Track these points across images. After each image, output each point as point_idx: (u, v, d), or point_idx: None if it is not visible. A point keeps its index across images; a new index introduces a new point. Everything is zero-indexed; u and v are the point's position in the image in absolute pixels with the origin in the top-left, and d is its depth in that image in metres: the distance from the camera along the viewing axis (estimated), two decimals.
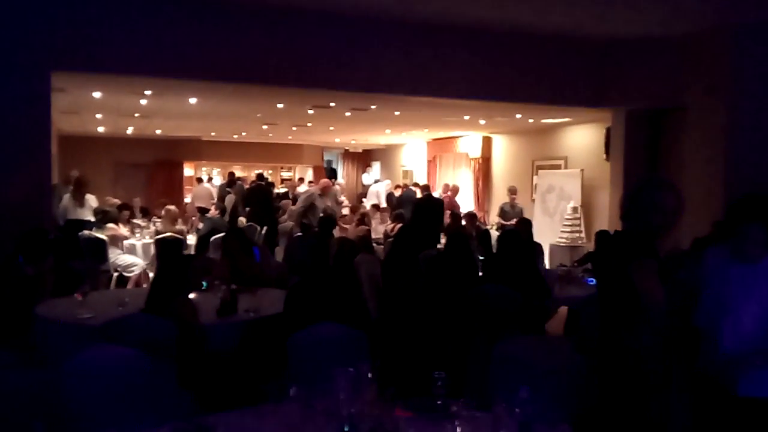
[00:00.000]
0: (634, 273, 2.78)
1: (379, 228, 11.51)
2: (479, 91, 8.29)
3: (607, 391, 2.95)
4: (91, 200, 9.84)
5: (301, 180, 18.89)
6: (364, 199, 16.67)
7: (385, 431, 2.33)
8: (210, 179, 18.45)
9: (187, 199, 16.27)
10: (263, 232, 11.24)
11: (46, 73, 6.56)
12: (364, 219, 10.35)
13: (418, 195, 14.34)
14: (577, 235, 10.70)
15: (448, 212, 11.11)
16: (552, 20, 7.49)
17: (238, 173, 18.26)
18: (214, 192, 15.21)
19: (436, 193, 13.67)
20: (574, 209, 10.89)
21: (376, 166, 21.20)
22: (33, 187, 6.56)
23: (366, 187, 19.25)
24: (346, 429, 2.32)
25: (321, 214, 10.52)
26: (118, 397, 3.06)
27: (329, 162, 21.61)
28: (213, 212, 11.32)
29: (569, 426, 2.69)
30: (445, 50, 7.96)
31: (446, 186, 14.12)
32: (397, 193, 15.00)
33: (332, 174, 20.49)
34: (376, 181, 18.86)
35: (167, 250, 8.80)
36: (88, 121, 13.31)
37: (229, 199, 13.06)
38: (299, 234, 9.91)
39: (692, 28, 7.57)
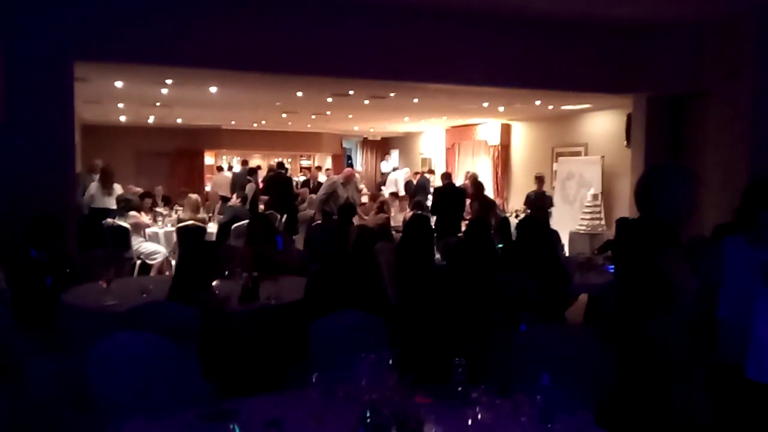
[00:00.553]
0: (662, 262, 2.76)
1: (398, 216, 11.53)
2: (499, 78, 8.22)
3: (628, 379, 2.94)
4: (118, 189, 10.02)
5: (319, 168, 18.95)
6: (383, 188, 16.69)
7: (405, 417, 2.35)
8: (230, 167, 18.57)
9: (208, 188, 16.40)
10: (283, 220, 11.30)
11: (69, 63, 6.64)
12: (383, 207, 10.37)
13: (432, 182, 14.34)
14: (598, 222, 10.64)
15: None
16: (572, 5, 7.40)
17: (258, 162, 18.38)
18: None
19: (459, 181, 13.65)
20: (595, 196, 10.82)
21: (394, 154, 21.18)
22: (57, 176, 6.66)
23: (384, 175, 19.27)
24: (367, 415, 2.34)
25: (319, 198, 10.68)
26: (142, 383, 3.12)
27: (347, 150, 21.59)
28: (234, 200, 11.41)
29: (590, 413, 2.70)
30: (465, 36, 7.91)
31: (466, 173, 14.08)
32: (415, 181, 15.02)
33: (348, 162, 20.51)
34: (395, 169, 18.86)
35: (189, 238, 8.89)
36: (110, 110, 13.43)
37: (250, 188, 13.15)
38: (319, 222, 9.96)
39: (714, 12, 7.46)
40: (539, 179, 11.60)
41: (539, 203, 10.70)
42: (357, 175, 18.09)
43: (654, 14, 7.69)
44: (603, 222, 10.66)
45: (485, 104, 11.45)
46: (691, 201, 2.90)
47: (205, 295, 4.29)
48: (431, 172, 16.19)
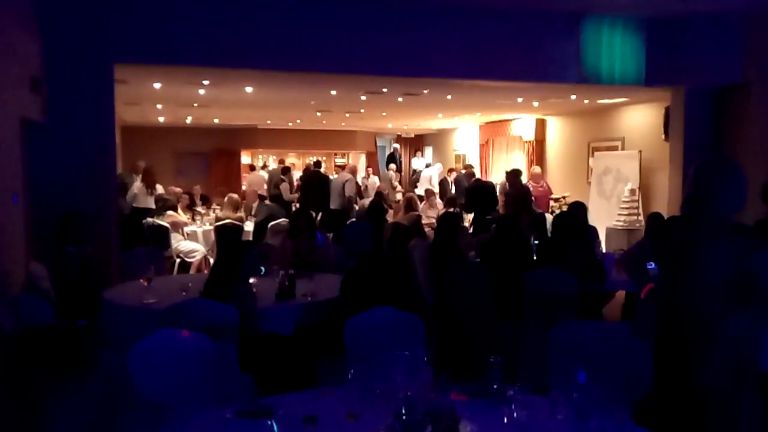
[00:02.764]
0: (758, 265, 2.71)
1: (430, 213, 11.50)
2: (533, 73, 8.15)
3: (676, 379, 2.90)
4: (160, 189, 10.24)
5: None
6: (418, 184, 16.63)
7: (441, 415, 2.36)
8: (264, 166, 18.75)
9: (244, 186, 16.59)
10: (319, 218, 11.39)
11: (109, 65, 6.79)
12: (411, 204, 10.28)
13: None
14: (635, 218, 10.46)
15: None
16: None
17: (294, 160, 18.53)
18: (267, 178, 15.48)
19: (493, 177, 13.52)
20: (632, 191, 10.64)
21: (428, 151, 21.12)
22: (99, 177, 6.81)
23: (416, 172, 19.21)
24: (402, 412, 2.36)
25: (349, 195, 10.75)
26: (182, 380, 3.18)
27: (395, 148, 21.37)
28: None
29: (628, 411, 2.67)
30: (498, 31, 7.86)
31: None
32: (451, 177, 14.91)
33: (390, 160, 20.40)
34: (427, 166, 18.79)
35: (226, 236, 9.02)
36: (149, 111, 13.67)
37: (284, 187, 13.28)
38: (353, 220, 10.01)
39: (755, 3, 7.28)
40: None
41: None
42: (392, 172, 18.12)
43: (694, 5, 7.53)
44: (641, 218, 10.47)
45: (520, 99, 11.35)
46: (745, 195, 2.89)
47: (242, 290, 4.35)
48: (468, 167, 15.83)
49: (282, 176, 13.82)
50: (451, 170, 15.92)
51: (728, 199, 2.87)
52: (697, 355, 2.87)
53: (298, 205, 12.33)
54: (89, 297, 5.05)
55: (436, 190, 14.47)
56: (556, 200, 11.47)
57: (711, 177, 2.91)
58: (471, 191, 10.41)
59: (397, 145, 21.30)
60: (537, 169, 12.42)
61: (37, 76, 6.19)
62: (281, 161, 16.61)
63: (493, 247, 5.87)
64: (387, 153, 21.83)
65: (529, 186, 11.44)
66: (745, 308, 2.80)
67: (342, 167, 19.34)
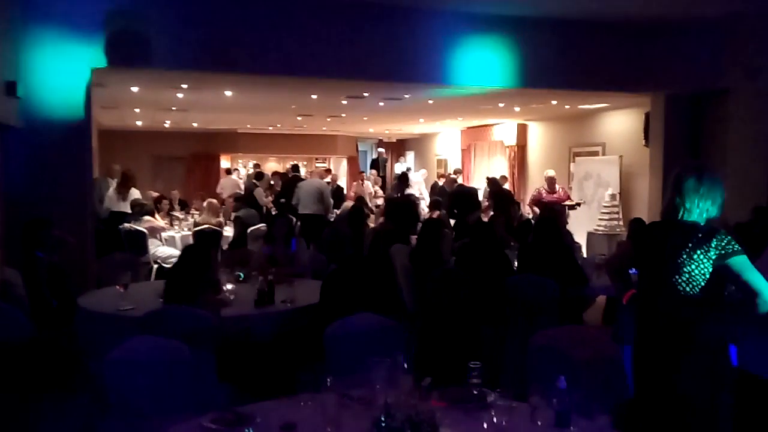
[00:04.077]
0: (737, 270, 2.76)
1: None
2: (515, 78, 8.18)
3: (658, 383, 2.91)
4: (135, 193, 10.09)
5: (329, 171, 18.89)
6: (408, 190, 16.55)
7: (420, 421, 2.33)
8: (231, 171, 18.57)
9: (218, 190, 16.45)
10: (298, 223, 11.31)
11: (86, 68, 6.70)
12: None
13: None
14: (616, 223, 10.54)
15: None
16: (589, 3, 7.34)
17: (273, 165, 18.41)
18: (241, 184, 15.38)
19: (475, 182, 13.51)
20: (612, 197, 10.72)
21: (410, 156, 21.12)
22: (74, 181, 6.72)
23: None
24: (382, 418, 2.33)
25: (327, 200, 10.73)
26: (159, 388, 3.13)
27: (379, 153, 21.25)
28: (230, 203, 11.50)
29: (608, 416, 2.66)
30: (480, 37, 7.88)
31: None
32: (441, 182, 14.85)
33: (373, 166, 20.31)
34: (408, 170, 18.77)
35: (205, 241, 8.93)
36: (126, 115, 13.55)
37: (258, 192, 13.17)
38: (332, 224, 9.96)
39: (734, 9, 7.36)
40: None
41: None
42: (372, 177, 18.05)
43: (673, 11, 7.60)
44: (621, 222, 10.56)
45: (501, 104, 11.39)
46: (722, 202, 2.94)
47: (204, 299, 4.29)
48: (457, 171, 15.69)
49: (255, 181, 13.72)
50: (441, 176, 15.91)
51: (706, 206, 2.91)
52: (675, 359, 2.88)
53: (274, 210, 12.23)
54: (63, 303, 4.95)
55: (425, 195, 14.46)
56: (572, 207, 10.68)
57: (689, 184, 2.93)
58: (454, 197, 10.42)
59: (382, 150, 21.25)
60: (550, 173, 10.77)
61: (12, 79, 6.10)
62: (256, 165, 16.52)
63: (468, 252, 5.88)
64: (369, 157, 21.77)
65: (542, 193, 10.62)
66: (721, 312, 2.83)
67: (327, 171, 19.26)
